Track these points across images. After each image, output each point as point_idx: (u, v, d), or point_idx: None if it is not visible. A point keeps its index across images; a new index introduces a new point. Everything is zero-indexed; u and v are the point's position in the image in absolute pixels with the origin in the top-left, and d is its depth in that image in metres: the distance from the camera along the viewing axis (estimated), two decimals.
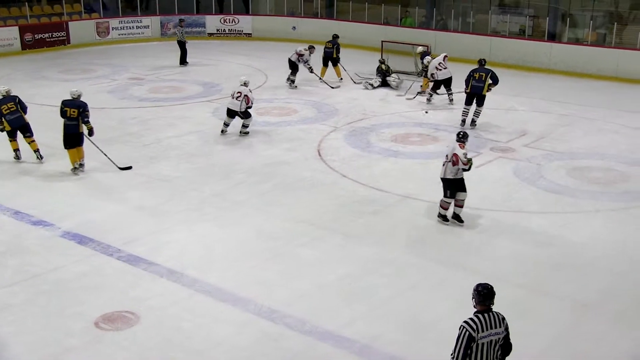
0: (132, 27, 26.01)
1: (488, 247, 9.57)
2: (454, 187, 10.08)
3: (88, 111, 12.00)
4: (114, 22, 25.69)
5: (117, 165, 12.35)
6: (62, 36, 24.46)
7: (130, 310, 7.84)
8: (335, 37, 19.63)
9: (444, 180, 10.17)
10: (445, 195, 10.20)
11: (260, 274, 8.75)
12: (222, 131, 14.37)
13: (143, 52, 23.86)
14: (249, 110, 14.14)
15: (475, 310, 5.55)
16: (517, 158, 13.07)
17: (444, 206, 10.27)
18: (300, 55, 18.52)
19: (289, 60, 18.64)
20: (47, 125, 15.04)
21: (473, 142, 13.85)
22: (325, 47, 19.44)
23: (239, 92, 13.96)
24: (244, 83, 14.20)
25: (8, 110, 12.44)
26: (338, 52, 19.33)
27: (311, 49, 18.71)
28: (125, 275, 8.69)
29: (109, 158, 12.39)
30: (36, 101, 16.72)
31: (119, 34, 25.73)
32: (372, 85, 18.64)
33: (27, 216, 10.38)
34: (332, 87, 18.69)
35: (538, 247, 9.58)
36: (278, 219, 10.42)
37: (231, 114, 14.15)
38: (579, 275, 8.78)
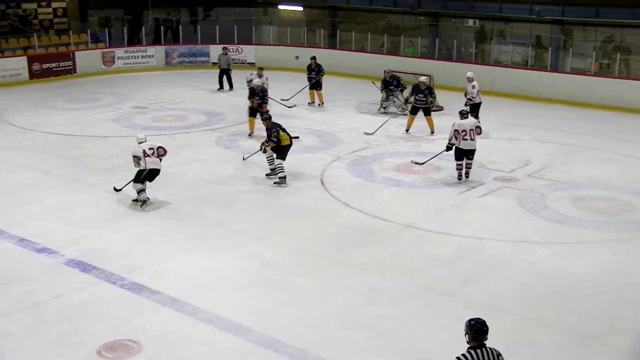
0: (137, 56, 26.24)
1: (490, 277, 9.55)
2: (472, 153, 13.17)
3: None
4: (119, 52, 25.92)
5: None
6: (69, 66, 24.67)
7: (132, 339, 7.81)
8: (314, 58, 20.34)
9: (470, 150, 13.07)
10: (461, 159, 13.18)
11: (262, 303, 8.74)
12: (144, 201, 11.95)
13: (148, 82, 24.03)
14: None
15: (469, 345, 5.52)
16: (520, 188, 13.09)
17: (460, 169, 13.27)
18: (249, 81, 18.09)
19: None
20: (53, 153, 15.18)
21: (476, 171, 13.90)
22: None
23: (150, 148, 11.87)
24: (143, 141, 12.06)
25: None
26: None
27: (260, 70, 18.77)
28: (128, 304, 8.69)
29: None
30: (42, 129, 16.86)
31: (124, 64, 25.95)
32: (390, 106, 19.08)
33: (32, 243, 10.40)
34: (289, 107, 19.34)
35: (541, 277, 9.55)
36: (279, 247, 10.43)
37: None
38: (582, 307, 8.74)
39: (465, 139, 12.93)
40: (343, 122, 18.16)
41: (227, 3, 29.31)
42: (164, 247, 10.41)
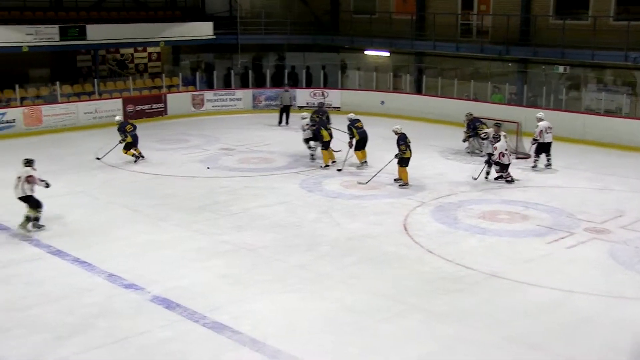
0: (226, 99, 26.97)
1: (578, 332, 9.15)
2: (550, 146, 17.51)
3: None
4: (208, 95, 26.73)
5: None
6: (161, 107, 25.60)
7: None
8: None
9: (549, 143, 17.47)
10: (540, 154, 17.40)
11: (342, 348, 8.64)
12: (311, 155, 18.66)
13: (235, 124, 24.58)
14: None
15: None
16: (613, 240, 12.58)
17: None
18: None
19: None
20: (142, 192, 15.65)
21: (565, 221, 13.50)
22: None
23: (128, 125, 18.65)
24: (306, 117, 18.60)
25: (131, 129, 18.38)
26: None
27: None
28: (209, 343, 8.75)
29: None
30: (133, 169, 17.42)
31: (213, 106, 26.71)
32: (478, 149, 19.33)
33: (120, 279, 10.68)
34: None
35: (636, 336, 9.08)
36: (361, 292, 10.33)
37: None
38: None
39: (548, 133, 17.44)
40: (429, 168, 17.99)
41: (314, 48, 29.82)
42: (246, 287, 10.49)
